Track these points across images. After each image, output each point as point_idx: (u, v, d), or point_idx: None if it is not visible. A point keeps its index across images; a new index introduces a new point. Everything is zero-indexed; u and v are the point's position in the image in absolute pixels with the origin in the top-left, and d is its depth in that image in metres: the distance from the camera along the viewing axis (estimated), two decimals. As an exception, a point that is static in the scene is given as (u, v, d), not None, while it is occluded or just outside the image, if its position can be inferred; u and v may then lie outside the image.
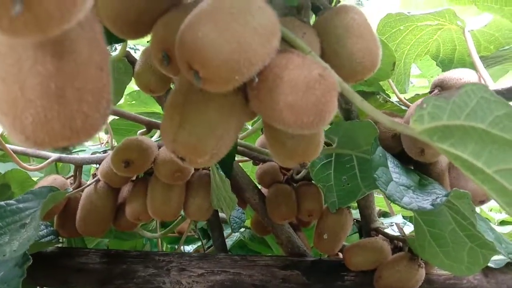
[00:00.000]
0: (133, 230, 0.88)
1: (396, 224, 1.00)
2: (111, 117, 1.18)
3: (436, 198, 0.52)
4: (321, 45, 0.42)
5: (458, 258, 0.71)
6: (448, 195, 0.50)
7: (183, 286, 0.81)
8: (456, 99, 0.36)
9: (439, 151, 0.40)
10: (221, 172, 0.59)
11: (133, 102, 1.44)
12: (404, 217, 1.17)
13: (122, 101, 1.29)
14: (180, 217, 0.96)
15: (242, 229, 1.50)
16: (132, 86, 1.50)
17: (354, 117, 0.69)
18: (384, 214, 1.39)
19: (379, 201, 1.10)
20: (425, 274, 0.84)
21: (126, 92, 1.33)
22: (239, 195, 0.86)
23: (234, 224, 0.67)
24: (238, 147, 0.86)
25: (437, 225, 0.71)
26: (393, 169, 0.58)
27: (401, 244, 0.87)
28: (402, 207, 0.52)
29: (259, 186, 0.89)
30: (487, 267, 0.88)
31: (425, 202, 0.52)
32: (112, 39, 0.57)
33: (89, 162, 0.88)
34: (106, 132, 1.29)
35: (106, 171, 0.79)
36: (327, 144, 0.77)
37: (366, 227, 0.90)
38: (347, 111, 0.67)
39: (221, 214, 1.46)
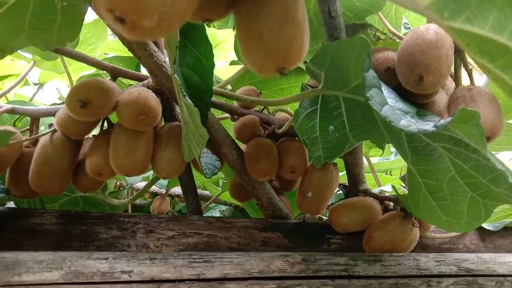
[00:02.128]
0: (95, 190, 0.79)
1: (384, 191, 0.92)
2: (75, 77, 1.09)
3: (439, 120, 0.45)
4: None
5: (458, 212, 0.64)
6: (454, 115, 0.43)
7: (151, 249, 0.72)
8: None
9: (451, 34, 0.32)
10: (189, 100, 0.50)
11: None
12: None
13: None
14: (151, 179, 0.87)
15: (223, 207, 1.41)
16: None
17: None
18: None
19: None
20: (419, 238, 0.77)
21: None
22: (214, 151, 0.77)
23: (207, 170, 0.59)
24: (214, 96, 0.77)
25: (434, 175, 0.64)
26: (388, 95, 0.50)
27: (392, 205, 0.79)
28: (400, 129, 0.45)
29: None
30: (485, 231, 0.82)
31: (426, 125, 0.44)
32: None
33: (47, 113, 0.78)
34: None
35: (63, 119, 0.70)
36: (312, 87, 0.69)
37: (353, 189, 0.83)
38: (336, 39, 0.59)
39: (200, 191, 1.37)
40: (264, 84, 0.94)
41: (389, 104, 0.47)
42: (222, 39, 1.17)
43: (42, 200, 0.98)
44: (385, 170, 1.69)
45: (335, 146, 0.72)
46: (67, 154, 0.72)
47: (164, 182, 1.22)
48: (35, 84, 1.42)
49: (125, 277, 0.56)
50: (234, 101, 0.84)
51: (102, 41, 1.11)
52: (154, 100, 0.66)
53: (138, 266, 0.58)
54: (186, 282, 0.58)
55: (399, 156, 1.89)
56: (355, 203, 0.75)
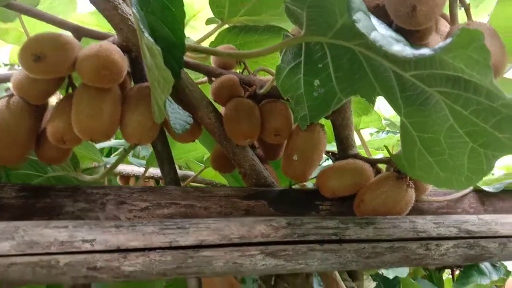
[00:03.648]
0: (62, 162, 0.72)
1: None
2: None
3: (436, 45, 0.39)
4: None
5: (457, 166, 0.58)
6: (453, 36, 0.36)
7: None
8: None
9: None
10: (149, 38, 0.44)
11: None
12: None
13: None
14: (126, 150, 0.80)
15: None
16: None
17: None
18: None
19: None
20: (414, 203, 0.71)
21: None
22: (190, 114, 0.71)
23: (177, 125, 0.52)
24: (188, 55, 0.71)
25: (430, 127, 0.58)
26: (378, 24, 0.44)
27: (384, 170, 0.74)
28: (393, 54, 0.38)
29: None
30: (484, 193, 0.77)
31: (421, 50, 0.38)
32: None
33: (4, 79, 0.71)
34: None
35: (20, 80, 0.63)
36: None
37: (343, 154, 0.77)
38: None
39: (180, 172, 1.30)
40: (245, 47, 0.87)
41: (378, 31, 0.41)
42: (200, 8, 1.10)
43: (11, 181, 0.91)
44: (376, 148, 1.64)
45: (321, 103, 0.66)
46: (26, 120, 0.65)
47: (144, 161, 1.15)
48: (5, 64, 1.34)
49: (87, 246, 0.50)
50: (211, 62, 0.77)
51: (71, 11, 1.03)
52: (117, 54, 0.59)
53: (102, 234, 0.51)
54: (157, 250, 0.52)
55: (390, 134, 1.84)
56: (344, 166, 0.70)
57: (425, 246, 0.60)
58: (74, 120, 0.62)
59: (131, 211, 0.66)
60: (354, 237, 0.58)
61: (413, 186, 0.66)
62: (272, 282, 0.76)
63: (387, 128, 1.95)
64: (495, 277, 1.44)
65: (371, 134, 2.01)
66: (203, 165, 1.06)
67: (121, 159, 0.79)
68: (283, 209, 0.69)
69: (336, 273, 0.83)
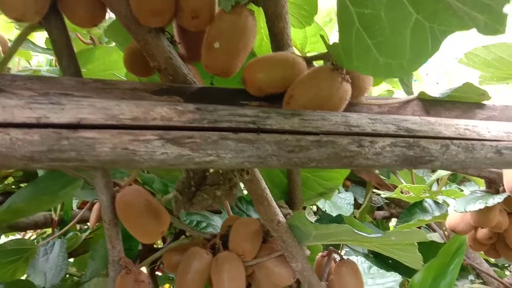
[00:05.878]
0: None
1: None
2: None
3: None
4: None
5: (398, 47, 0.50)
6: None
7: None
8: None
9: None
10: None
11: None
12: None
13: None
14: (19, 35, 0.66)
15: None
16: None
17: None
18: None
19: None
20: (352, 107, 0.63)
21: None
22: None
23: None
24: None
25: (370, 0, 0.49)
26: None
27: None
28: None
29: None
30: (430, 102, 0.69)
31: None
32: None
33: None
34: None
35: None
36: None
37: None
38: None
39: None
40: None
41: None
42: None
43: None
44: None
45: (247, -24, 0.55)
46: None
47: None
48: None
49: None
50: None
51: None
52: None
53: None
54: (20, 127, 0.40)
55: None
56: (274, 56, 0.60)
57: (357, 143, 0.52)
58: None
59: (11, 99, 0.54)
60: (276, 127, 0.49)
61: (350, 80, 0.57)
62: (191, 195, 0.67)
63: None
64: (437, 213, 1.43)
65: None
66: (125, 78, 0.94)
67: (19, 43, 0.66)
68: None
69: (268, 191, 0.74)
